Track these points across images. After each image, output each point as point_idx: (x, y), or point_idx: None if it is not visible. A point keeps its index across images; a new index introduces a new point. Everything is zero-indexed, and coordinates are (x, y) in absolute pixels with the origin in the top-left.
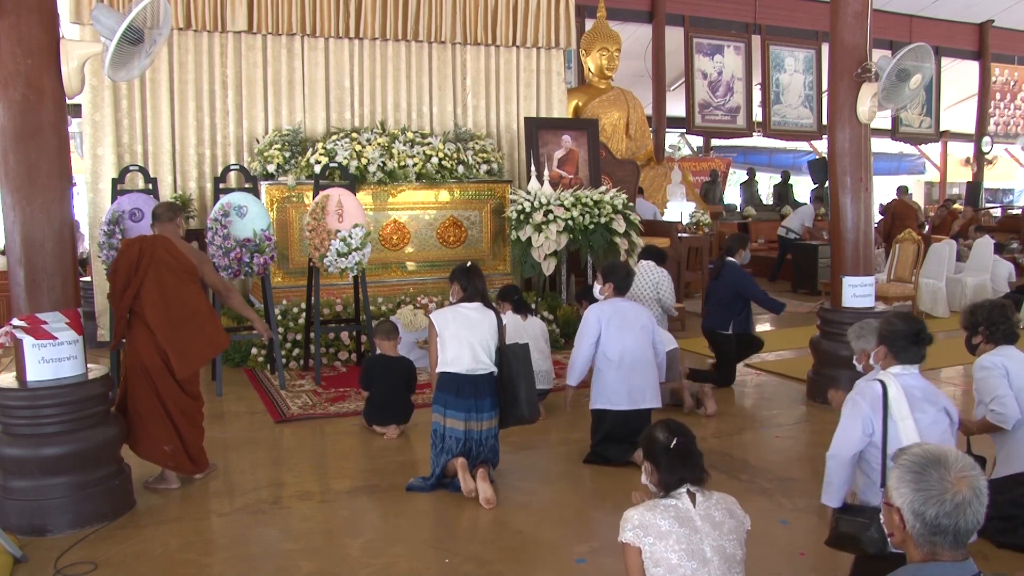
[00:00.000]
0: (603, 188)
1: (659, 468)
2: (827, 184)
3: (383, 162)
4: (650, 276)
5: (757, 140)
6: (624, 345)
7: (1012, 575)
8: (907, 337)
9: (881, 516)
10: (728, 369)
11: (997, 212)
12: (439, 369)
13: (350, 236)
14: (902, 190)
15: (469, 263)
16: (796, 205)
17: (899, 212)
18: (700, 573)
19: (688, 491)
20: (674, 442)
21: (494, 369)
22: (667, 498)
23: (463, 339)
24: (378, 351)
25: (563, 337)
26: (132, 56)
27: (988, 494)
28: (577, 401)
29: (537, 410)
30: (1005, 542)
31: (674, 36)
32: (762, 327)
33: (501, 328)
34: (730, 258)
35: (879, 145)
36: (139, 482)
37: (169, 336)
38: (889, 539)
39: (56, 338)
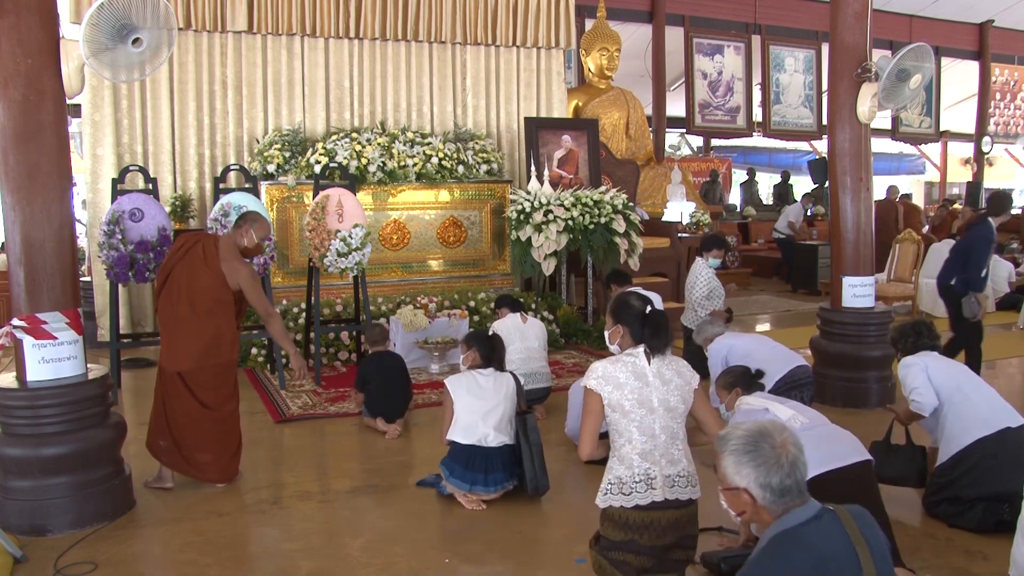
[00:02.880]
0: (603, 188)
1: (631, 332)
2: (827, 184)
3: (383, 162)
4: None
5: (757, 140)
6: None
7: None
8: (747, 376)
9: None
10: (961, 326)
11: None
12: (449, 436)
13: (350, 236)
14: (892, 190)
15: (491, 332)
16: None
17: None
18: (648, 419)
19: (645, 351)
20: (648, 309)
21: (508, 441)
22: (627, 355)
23: (475, 408)
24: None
25: (563, 337)
26: (122, 53)
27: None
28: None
29: (544, 484)
30: (957, 524)
31: (674, 36)
32: (762, 326)
33: (519, 391)
34: (991, 218)
35: (879, 145)
36: (139, 482)
37: (168, 328)
38: (738, 518)
39: (56, 338)
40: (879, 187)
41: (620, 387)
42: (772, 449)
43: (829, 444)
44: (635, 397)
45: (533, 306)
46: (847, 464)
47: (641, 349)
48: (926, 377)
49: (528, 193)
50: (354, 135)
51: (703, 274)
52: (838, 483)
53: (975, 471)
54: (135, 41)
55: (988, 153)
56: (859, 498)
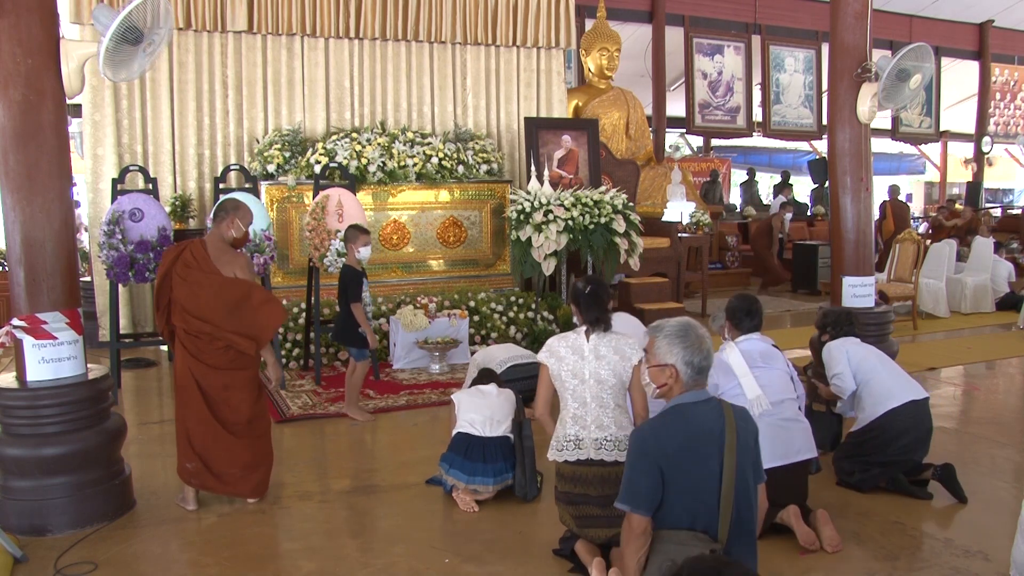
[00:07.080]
0: (603, 188)
1: (580, 309)
2: (827, 184)
3: (383, 162)
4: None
5: (757, 140)
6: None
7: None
8: (742, 311)
9: (646, 376)
10: None
11: (997, 212)
12: (455, 430)
13: None
14: (894, 189)
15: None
16: (796, 205)
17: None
18: (580, 388)
19: (586, 329)
20: (588, 289)
21: (506, 434)
22: (574, 332)
23: (478, 406)
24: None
25: None
26: (132, 56)
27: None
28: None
29: (533, 492)
30: (849, 482)
31: (674, 36)
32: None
33: (518, 406)
34: None
35: (879, 145)
36: (138, 482)
37: (226, 321)
38: (658, 390)
39: (56, 338)
40: (879, 187)
41: (561, 360)
42: (697, 338)
43: (780, 438)
44: (570, 369)
45: (533, 306)
46: (790, 463)
47: (583, 329)
48: (847, 361)
49: (528, 193)
50: (354, 135)
51: None
52: (777, 477)
53: (881, 438)
54: (150, 46)
55: (988, 153)
56: (791, 491)
